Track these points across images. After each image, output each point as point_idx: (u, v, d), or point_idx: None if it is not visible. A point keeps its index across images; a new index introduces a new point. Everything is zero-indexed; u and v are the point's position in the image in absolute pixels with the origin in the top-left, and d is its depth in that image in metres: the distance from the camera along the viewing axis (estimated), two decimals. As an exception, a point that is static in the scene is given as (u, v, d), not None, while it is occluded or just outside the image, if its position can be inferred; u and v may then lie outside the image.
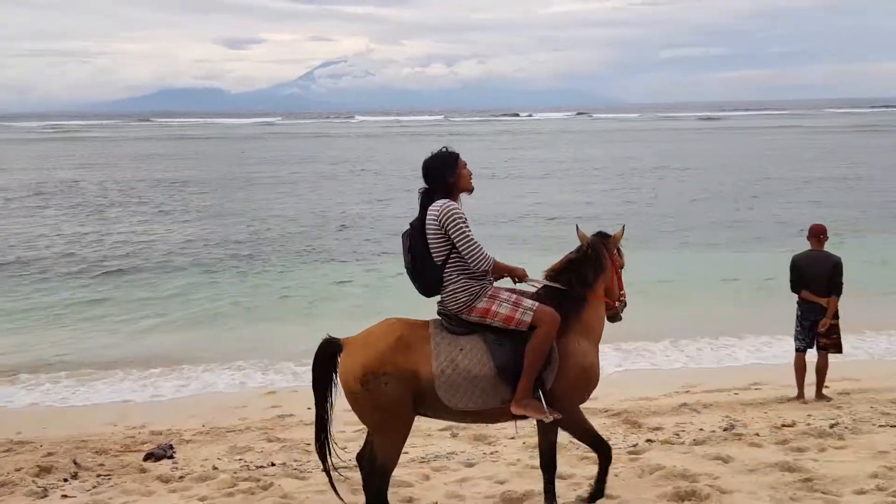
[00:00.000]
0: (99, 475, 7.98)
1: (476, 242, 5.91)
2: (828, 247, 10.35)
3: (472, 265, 5.92)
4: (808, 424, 8.86)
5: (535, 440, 8.56)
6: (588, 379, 6.26)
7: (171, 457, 8.69)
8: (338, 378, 5.96)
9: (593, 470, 7.00)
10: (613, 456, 7.88)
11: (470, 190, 6.15)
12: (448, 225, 5.87)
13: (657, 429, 9.19)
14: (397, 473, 7.61)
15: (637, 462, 7.78)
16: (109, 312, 16.84)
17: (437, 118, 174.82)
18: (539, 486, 7.06)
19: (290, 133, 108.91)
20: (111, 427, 10.31)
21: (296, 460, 8.38)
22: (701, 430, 8.89)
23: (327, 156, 63.57)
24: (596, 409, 10.08)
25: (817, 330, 10.06)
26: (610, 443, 8.47)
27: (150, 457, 8.66)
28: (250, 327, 15.80)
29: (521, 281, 6.26)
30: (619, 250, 6.64)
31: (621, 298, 6.58)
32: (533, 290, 6.32)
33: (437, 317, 6.13)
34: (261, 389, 12.15)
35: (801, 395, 10.36)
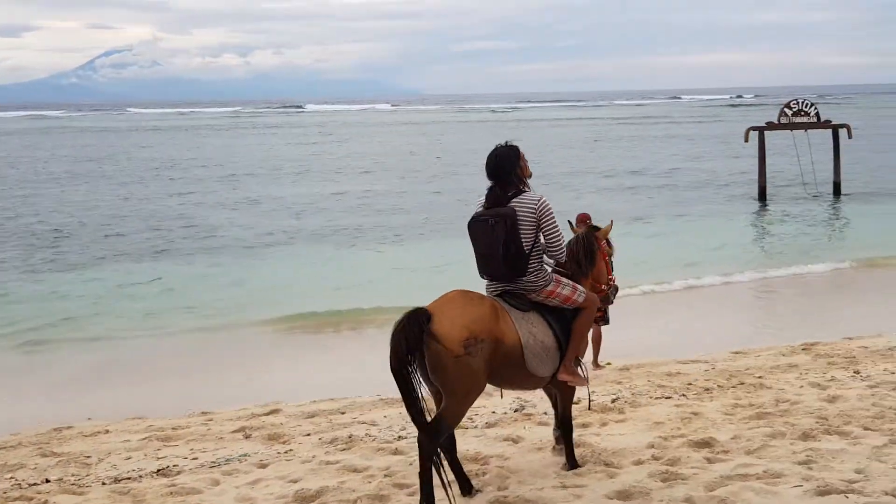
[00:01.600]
0: None
1: (562, 233, 6.65)
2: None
3: (555, 253, 6.68)
4: (592, 401, 9.23)
5: (332, 435, 8.61)
6: (584, 352, 6.97)
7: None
8: (430, 346, 5.98)
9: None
10: (409, 446, 8.03)
11: (530, 175, 6.70)
12: (544, 216, 6.50)
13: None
14: (185, 480, 7.43)
15: (431, 449, 7.87)
16: None
17: (226, 110, 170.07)
18: (332, 481, 7.09)
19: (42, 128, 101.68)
20: None
21: (73, 475, 7.92)
22: (493, 412, 9.07)
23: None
24: (393, 399, 10.12)
25: None
26: (405, 432, 8.64)
27: None
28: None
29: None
30: (608, 240, 7.39)
31: (610, 283, 7.31)
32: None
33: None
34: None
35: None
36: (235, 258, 21.76)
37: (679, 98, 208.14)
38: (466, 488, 6.58)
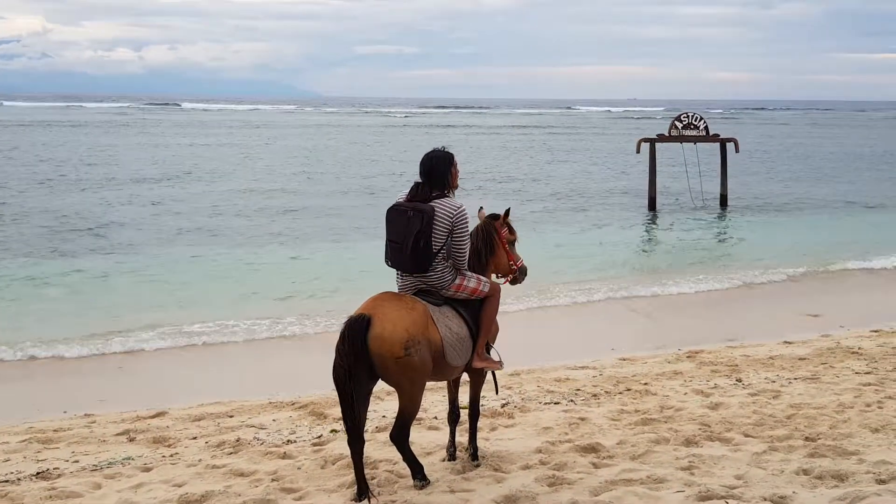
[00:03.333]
0: None
1: (468, 245, 6.94)
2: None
3: (459, 261, 6.89)
4: (483, 405, 9.30)
5: (219, 438, 8.49)
6: (495, 339, 7.37)
7: None
8: (372, 350, 6.32)
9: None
10: (297, 450, 7.97)
11: (457, 186, 7.03)
12: (458, 224, 6.80)
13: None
14: (65, 483, 7.22)
15: (321, 453, 7.83)
16: None
17: (113, 105, 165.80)
18: (218, 486, 7.00)
19: None
20: None
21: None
22: (384, 416, 9.06)
23: None
24: (283, 402, 10.07)
25: None
26: (294, 436, 8.58)
27: None
28: None
29: None
30: (509, 227, 7.51)
31: (514, 267, 7.46)
32: None
33: (401, 291, 6.95)
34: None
35: None
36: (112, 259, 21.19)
37: (571, 108, 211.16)
38: (363, 493, 6.59)
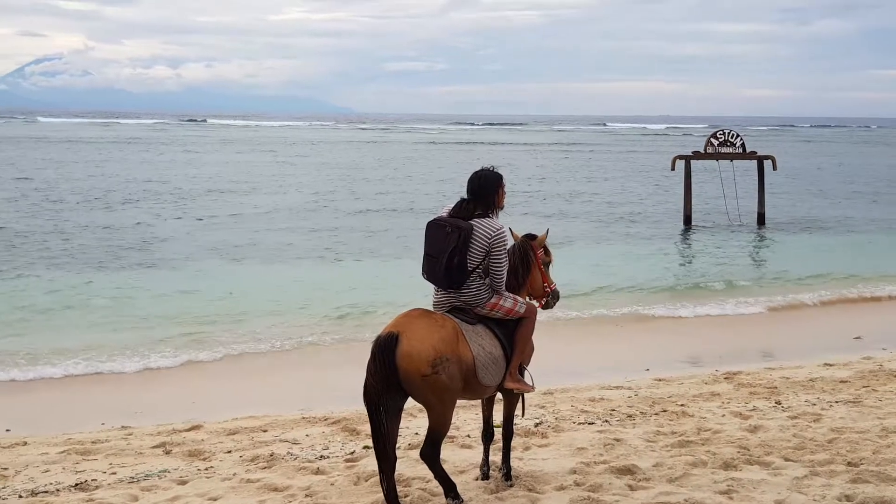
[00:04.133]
0: None
1: (506, 267, 6.88)
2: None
3: (496, 282, 6.85)
4: (516, 424, 9.25)
5: (253, 453, 8.50)
6: (529, 360, 7.23)
7: None
8: (400, 367, 6.31)
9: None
10: (330, 466, 7.97)
11: (503, 207, 7.01)
12: (496, 245, 6.77)
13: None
14: (103, 495, 7.27)
15: (354, 469, 7.82)
16: None
17: (150, 122, 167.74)
18: (252, 500, 7.04)
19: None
20: None
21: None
22: (416, 433, 9.02)
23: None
24: (316, 417, 10.07)
25: None
26: (327, 451, 8.57)
27: None
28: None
29: None
30: (545, 248, 7.49)
31: (548, 290, 7.41)
32: None
33: (435, 308, 6.94)
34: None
35: None
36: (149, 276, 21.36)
37: (604, 125, 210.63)
38: None
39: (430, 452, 6.61)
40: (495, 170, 7.01)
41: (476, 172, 6.96)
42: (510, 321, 6.97)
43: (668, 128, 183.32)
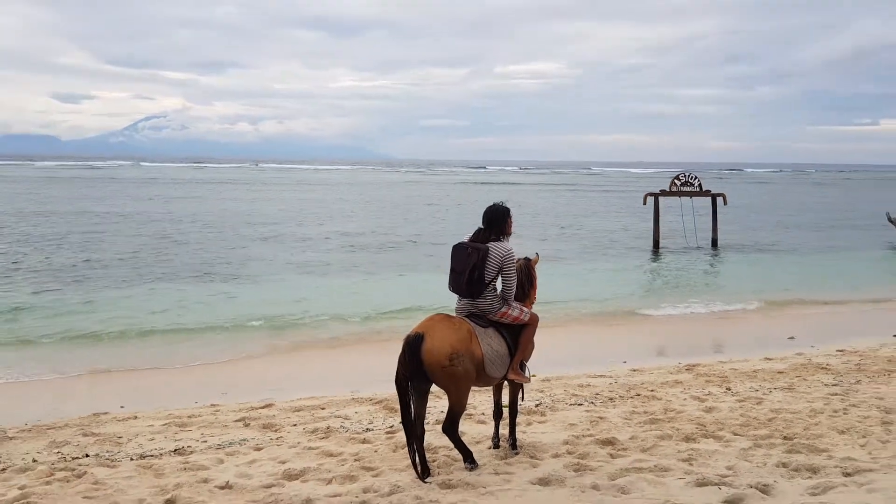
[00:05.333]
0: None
1: (515, 281, 6.89)
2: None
3: (507, 294, 6.88)
4: (520, 405, 9.20)
5: (314, 426, 8.49)
6: (529, 356, 7.24)
7: (-7, 453, 7.82)
8: (424, 360, 6.35)
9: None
10: (374, 436, 7.93)
11: (511, 234, 7.00)
12: (506, 264, 6.80)
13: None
14: (196, 458, 7.27)
15: (392, 440, 7.80)
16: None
17: (235, 165, 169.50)
18: (313, 463, 7.01)
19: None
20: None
21: (108, 451, 7.75)
22: (441, 412, 8.94)
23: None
24: (363, 398, 10.05)
25: None
26: (371, 425, 8.54)
27: (-26, 454, 7.76)
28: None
29: None
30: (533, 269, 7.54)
31: (533, 300, 7.42)
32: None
33: (457, 313, 6.92)
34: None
35: None
36: (234, 285, 21.45)
37: (590, 169, 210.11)
38: (426, 473, 6.54)
39: (450, 427, 6.65)
40: (504, 204, 7.03)
41: (489, 207, 6.99)
42: (516, 326, 6.96)
43: (641, 171, 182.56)
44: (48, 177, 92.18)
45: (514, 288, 6.94)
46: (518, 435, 7.59)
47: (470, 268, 6.71)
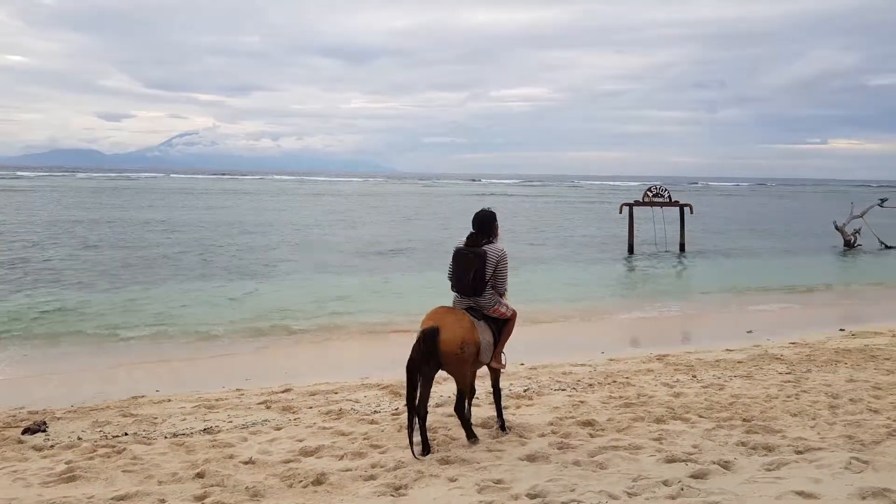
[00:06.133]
0: (-20, 448, 7.04)
1: (507, 278, 6.92)
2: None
3: (500, 289, 6.88)
4: (510, 390, 9.20)
5: (328, 408, 8.47)
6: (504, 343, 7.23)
7: (44, 431, 7.80)
8: (440, 348, 6.42)
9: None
10: (381, 418, 7.90)
11: (498, 236, 6.96)
12: (500, 263, 6.82)
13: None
14: (222, 437, 7.25)
15: (397, 421, 7.77)
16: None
17: (258, 177, 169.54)
18: (327, 441, 6.99)
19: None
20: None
21: (144, 430, 7.73)
22: (441, 396, 8.90)
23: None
24: (371, 384, 10.03)
25: None
26: (379, 408, 8.52)
27: (26, 431, 7.74)
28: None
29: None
30: None
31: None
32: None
33: (455, 306, 6.91)
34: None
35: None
36: (255, 281, 21.41)
37: (574, 182, 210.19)
38: (426, 450, 6.53)
39: (459, 406, 6.78)
40: (490, 209, 7.02)
41: (477, 213, 6.97)
42: (501, 319, 7.01)
43: (618, 184, 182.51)
44: (94, 187, 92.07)
45: (506, 284, 6.96)
46: (507, 417, 7.58)
47: (473, 271, 6.75)
